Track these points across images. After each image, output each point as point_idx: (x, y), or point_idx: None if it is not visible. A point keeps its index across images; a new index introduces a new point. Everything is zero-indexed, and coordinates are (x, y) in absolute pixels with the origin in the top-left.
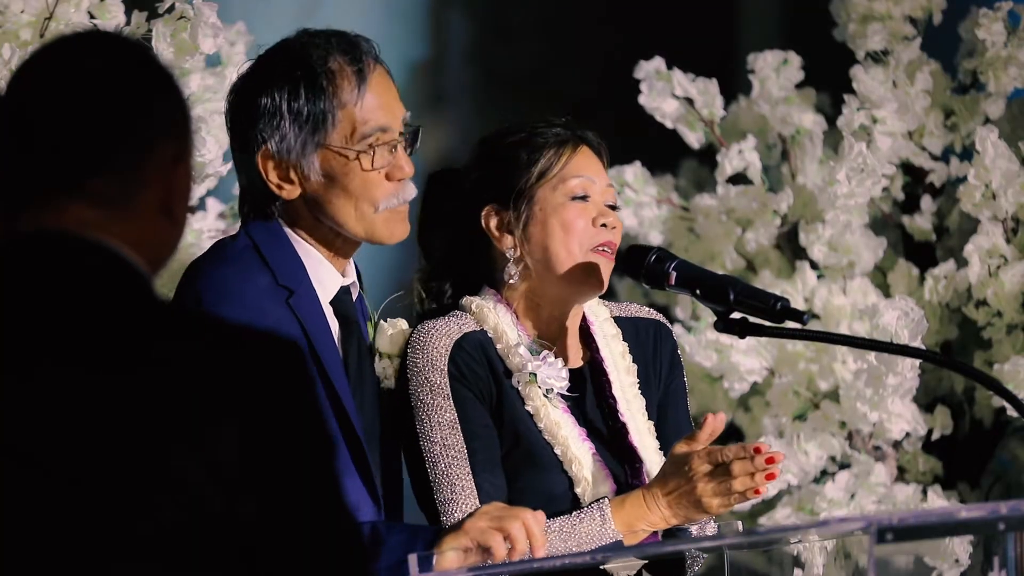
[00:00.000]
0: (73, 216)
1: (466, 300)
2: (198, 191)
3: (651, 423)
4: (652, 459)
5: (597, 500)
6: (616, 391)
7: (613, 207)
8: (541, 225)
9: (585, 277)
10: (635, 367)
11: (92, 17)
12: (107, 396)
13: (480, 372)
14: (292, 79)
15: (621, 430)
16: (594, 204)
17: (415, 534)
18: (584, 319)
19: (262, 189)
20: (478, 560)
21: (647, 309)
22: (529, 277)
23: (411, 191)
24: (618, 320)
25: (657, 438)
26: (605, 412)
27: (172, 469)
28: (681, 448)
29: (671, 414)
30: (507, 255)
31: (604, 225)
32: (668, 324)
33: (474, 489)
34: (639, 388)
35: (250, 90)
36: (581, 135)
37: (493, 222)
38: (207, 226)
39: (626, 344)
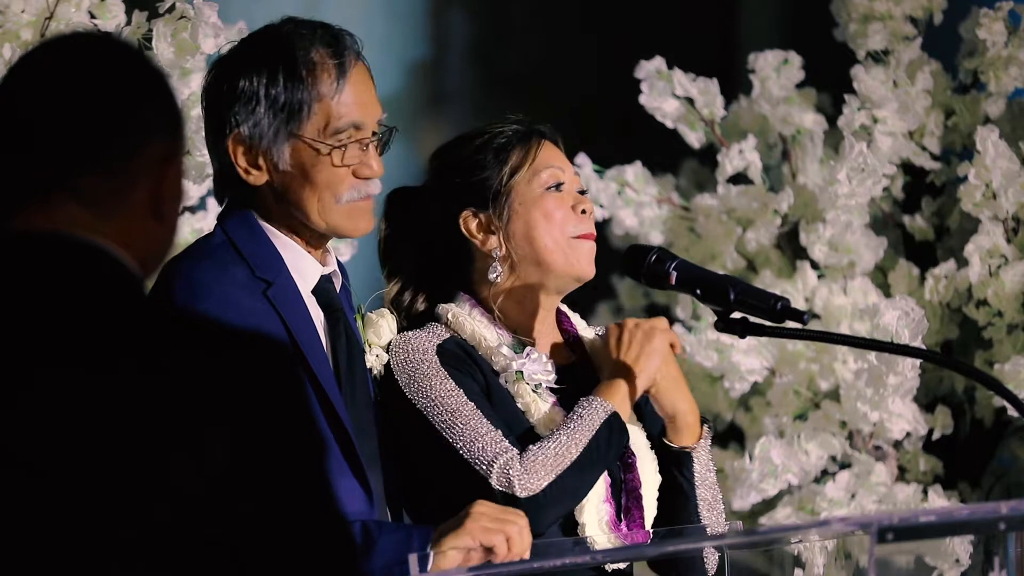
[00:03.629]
0: (63, 216)
1: (441, 308)
2: (198, 191)
3: (640, 423)
4: (644, 456)
5: (579, 401)
6: None
7: (582, 192)
8: (523, 219)
9: (574, 262)
10: None
11: (93, 17)
12: (96, 398)
13: (465, 372)
14: (272, 65)
15: None
16: (568, 192)
17: (408, 534)
18: (566, 321)
19: (230, 173)
20: (478, 560)
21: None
22: (516, 273)
23: (375, 188)
24: (597, 335)
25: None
26: None
27: (161, 471)
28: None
29: (648, 419)
30: (492, 255)
31: (584, 212)
32: None
33: (499, 431)
34: None
35: (229, 72)
36: (538, 129)
37: (473, 225)
38: (207, 226)
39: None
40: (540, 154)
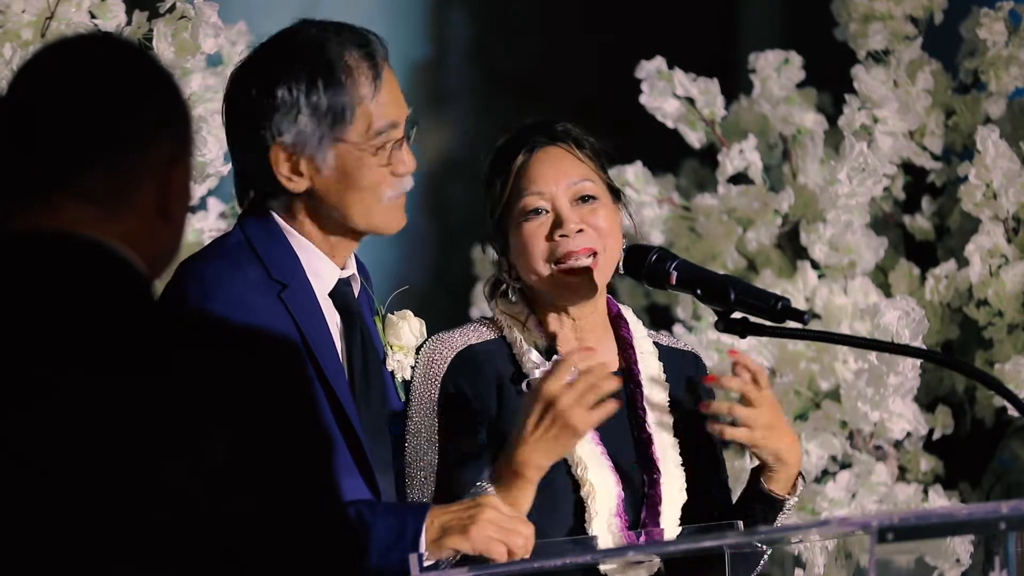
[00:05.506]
0: (69, 214)
1: (494, 303)
2: (199, 191)
3: (676, 440)
4: (672, 473)
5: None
6: (646, 403)
7: (588, 197)
8: (512, 250)
9: (562, 291)
10: (668, 385)
11: (93, 17)
12: (98, 398)
13: (477, 386)
14: (311, 72)
15: (646, 441)
16: (552, 213)
17: (403, 517)
18: (624, 327)
19: (270, 182)
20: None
21: (683, 341)
22: (525, 296)
23: (409, 184)
24: (657, 345)
25: (683, 464)
26: (632, 422)
27: (162, 471)
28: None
29: (700, 438)
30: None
31: (565, 235)
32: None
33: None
34: (669, 406)
35: (263, 82)
36: (545, 136)
37: (496, 248)
38: (208, 226)
39: (662, 363)
40: (523, 176)
